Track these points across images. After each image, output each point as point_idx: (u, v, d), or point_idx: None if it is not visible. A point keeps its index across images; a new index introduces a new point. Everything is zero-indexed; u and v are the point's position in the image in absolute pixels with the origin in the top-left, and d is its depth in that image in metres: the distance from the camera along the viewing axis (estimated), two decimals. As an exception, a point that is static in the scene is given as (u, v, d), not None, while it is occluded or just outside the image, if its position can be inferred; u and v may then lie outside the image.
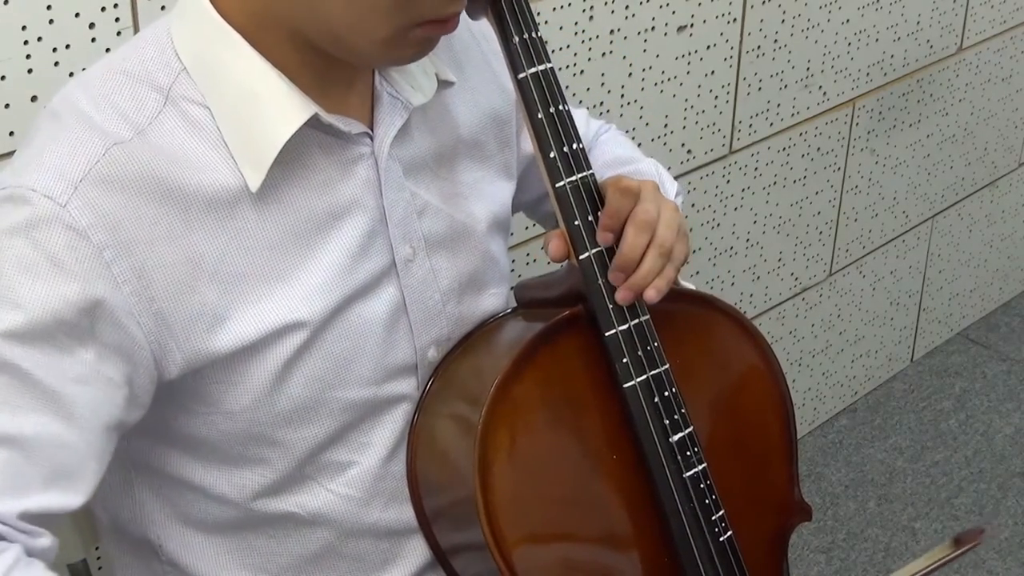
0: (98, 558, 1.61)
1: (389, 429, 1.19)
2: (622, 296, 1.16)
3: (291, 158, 1.09)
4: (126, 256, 1.03)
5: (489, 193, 1.27)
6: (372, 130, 1.15)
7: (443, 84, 1.20)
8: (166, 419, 1.12)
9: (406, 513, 1.22)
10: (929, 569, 1.19)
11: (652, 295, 1.16)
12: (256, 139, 1.08)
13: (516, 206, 1.36)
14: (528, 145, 1.32)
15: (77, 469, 1.05)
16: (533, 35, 1.15)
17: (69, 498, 1.05)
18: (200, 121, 1.07)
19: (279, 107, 1.08)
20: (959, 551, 1.21)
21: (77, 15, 1.39)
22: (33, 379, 1.01)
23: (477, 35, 1.27)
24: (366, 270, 1.15)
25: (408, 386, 1.20)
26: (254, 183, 1.07)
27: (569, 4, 1.90)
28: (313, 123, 1.09)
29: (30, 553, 1.02)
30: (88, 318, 1.02)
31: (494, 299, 1.27)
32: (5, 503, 1.01)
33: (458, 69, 1.24)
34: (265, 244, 1.09)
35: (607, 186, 1.17)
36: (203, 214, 1.06)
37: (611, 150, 1.42)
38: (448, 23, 1.07)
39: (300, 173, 1.11)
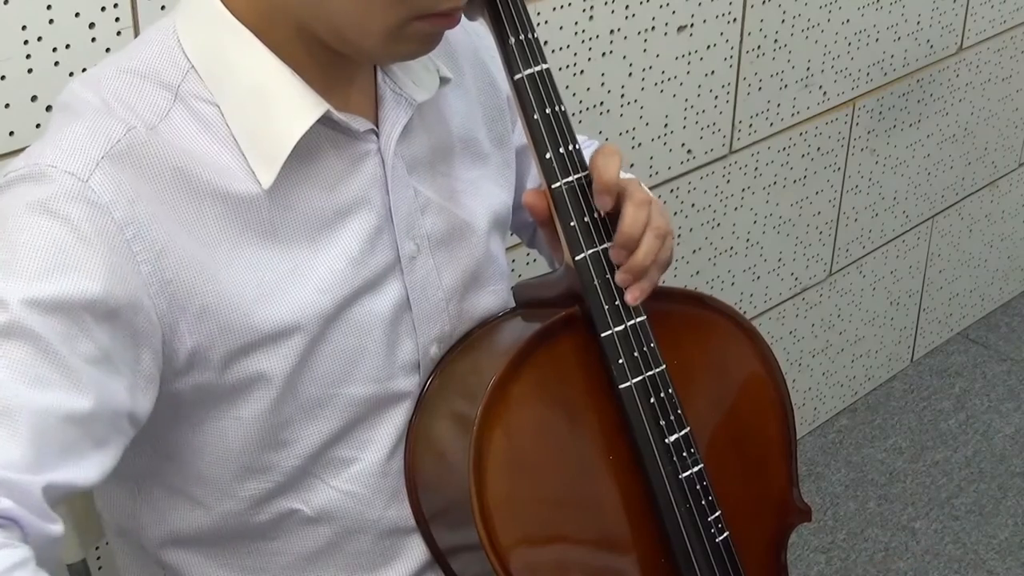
0: (98, 558, 1.61)
1: (391, 426, 1.19)
2: (621, 279, 1.16)
3: (302, 155, 1.09)
4: (146, 235, 1.02)
5: (489, 191, 1.27)
6: (376, 127, 1.15)
7: (441, 80, 1.21)
8: (177, 443, 1.12)
9: (407, 511, 1.22)
10: None
11: (636, 295, 1.16)
12: (268, 136, 1.08)
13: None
14: (519, 144, 1.32)
15: (88, 449, 0.99)
16: (530, 36, 1.16)
17: (84, 473, 0.98)
18: (210, 119, 1.07)
19: (291, 104, 1.08)
20: None
21: (77, 15, 1.40)
22: (52, 350, 0.97)
23: (470, 31, 1.27)
24: (372, 267, 1.15)
25: (411, 383, 1.20)
26: (266, 180, 1.07)
27: (569, 4, 1.90)
28: (323, 120, 1.09)
29: (43, 542, 0.95)
30: (108, 296, 1.00)
31: (494, 296, 1.27)
32: (31, 475, 0.93)
33: (453, 65, 1.24)
34: (276, 240, 1.09)
35: (593, 154, 1.17)
36: (215, 209, 1.06)
37: None
38: (449, 17, 1.07)
39: (311, 170, 1.11)
